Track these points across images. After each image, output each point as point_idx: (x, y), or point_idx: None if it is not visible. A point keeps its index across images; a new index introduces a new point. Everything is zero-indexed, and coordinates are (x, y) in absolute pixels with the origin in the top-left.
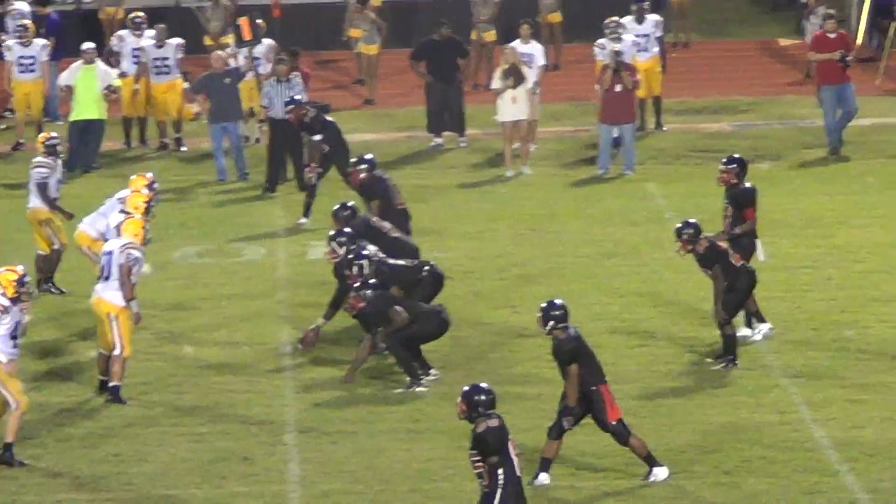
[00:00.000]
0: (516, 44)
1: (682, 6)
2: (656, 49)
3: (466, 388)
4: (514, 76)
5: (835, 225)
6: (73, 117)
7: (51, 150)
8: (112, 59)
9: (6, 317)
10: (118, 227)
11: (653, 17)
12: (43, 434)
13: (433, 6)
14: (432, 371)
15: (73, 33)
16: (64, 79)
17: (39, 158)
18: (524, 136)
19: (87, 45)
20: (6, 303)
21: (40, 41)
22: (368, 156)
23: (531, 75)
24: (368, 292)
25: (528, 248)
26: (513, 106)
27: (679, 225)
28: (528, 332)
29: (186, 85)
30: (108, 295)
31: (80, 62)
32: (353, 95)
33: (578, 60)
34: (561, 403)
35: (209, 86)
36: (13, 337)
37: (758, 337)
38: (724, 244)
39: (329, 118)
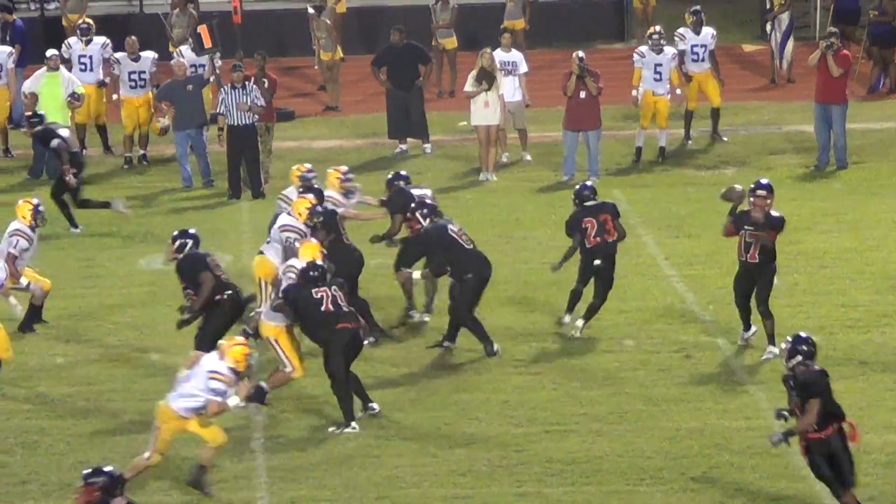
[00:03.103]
0: (498, 52)
1: (646, 12)
2: (709, 63)
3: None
4: (487, 79)
5: (801, 231)
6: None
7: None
8: (65, 65)
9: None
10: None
11: (709, 29)
12: (10, 441)
13: (398, 12)
14: (372, 406)
15: (37, 40)
16: (28, 86)
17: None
18: (494, 142)
19: (52, 52)
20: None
21: (6, 48)
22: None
23: (510, 82)
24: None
25: (494, 255)
26: (485, 110)
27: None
28: (494, 337)
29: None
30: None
31: (44, 69)
32: (318, 102)
33: (541, 67)
34: None
35: (172, 93)
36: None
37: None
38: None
39: None
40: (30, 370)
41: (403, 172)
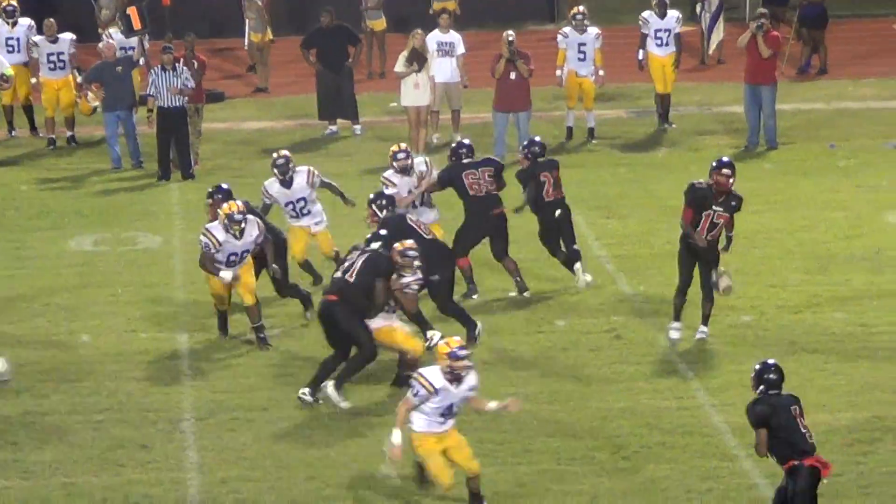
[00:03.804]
0: (436, 33)
1: None
2: (674, 48)
3: None
4: (418, 60)
5: None
6: None
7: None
8: None
9: (437, 397)
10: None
11: (674, 13)
12: None
13: None
14: None
15: None
16: None
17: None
18: (424, 123)
19: None
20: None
21: None
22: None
23: (447, 63)
24: None
25: None
26: (415, 91)
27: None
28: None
29: (80, 79)
30: None
31: None
32: (247, 83)
33: (471, 48)
34: None
35: (102, 75)
36: (442, 415)
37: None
38: None
39: None
40: None
41: (467, 141)
